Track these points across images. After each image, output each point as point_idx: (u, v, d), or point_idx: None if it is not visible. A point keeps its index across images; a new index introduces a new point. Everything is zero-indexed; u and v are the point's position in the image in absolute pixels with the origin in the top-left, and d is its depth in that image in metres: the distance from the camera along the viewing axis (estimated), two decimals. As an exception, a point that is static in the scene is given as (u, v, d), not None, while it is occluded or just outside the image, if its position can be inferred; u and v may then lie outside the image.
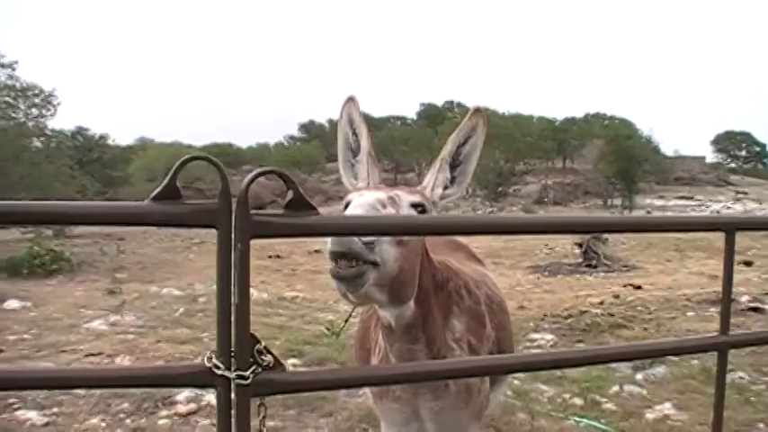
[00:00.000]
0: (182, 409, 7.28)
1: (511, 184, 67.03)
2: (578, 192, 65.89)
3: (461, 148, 3.02)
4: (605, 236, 21.93)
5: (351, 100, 3.17)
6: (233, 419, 1.81)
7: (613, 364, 8.39)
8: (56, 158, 30.40)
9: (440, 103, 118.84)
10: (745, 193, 66.87)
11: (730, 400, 7.56)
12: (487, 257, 23.67)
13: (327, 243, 2.32)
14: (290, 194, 1.83)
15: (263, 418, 1.96)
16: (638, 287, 16.73)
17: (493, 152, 65.37)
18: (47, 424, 7.03)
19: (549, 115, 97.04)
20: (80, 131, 63.01)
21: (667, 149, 76.10)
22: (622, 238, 25.76)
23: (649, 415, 7.26)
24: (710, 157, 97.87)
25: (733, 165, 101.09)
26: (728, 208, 53.83)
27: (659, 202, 58.44)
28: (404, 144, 76.86)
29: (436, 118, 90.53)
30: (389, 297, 2.64)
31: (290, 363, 9.52)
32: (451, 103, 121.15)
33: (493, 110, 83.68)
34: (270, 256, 24.68)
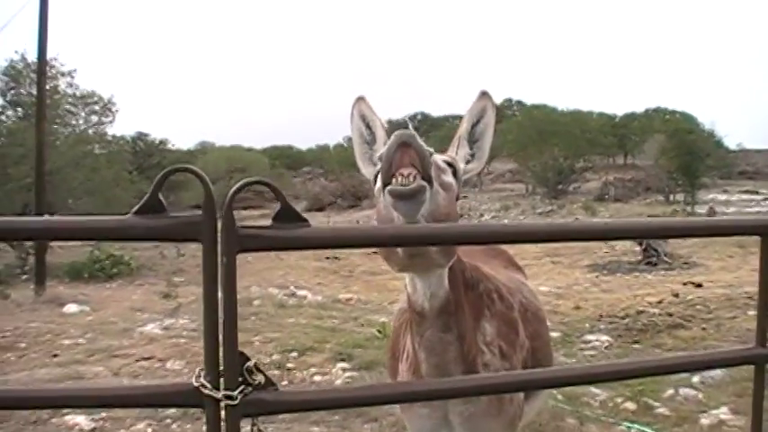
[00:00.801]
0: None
1: (571, 182, 66.02)
2: (639, 188, 64.75)
3: (476, 127, 3.12)
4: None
5: (360, 99, 3.21)
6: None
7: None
8: (115, 164, 30.86)
9: (499, 101, 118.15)
10: (813, 187, 65.30)
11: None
12: (546, 256, 23.59)
13: (386, 146, 2.30)
14: (277, 206, 1.75)
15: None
16: (699, 285, 16.38)
17: (552, 149, 64.76)
18: (94, 429, 7.09)
19: (609, 111, 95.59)
20: (140, 137, 63.90)
21: (730, 143, 74.46)
22: (683, 234, 25.28)
23: (704, 420, 7.05)
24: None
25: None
26: (796, 202, 52.56)
27: (723, 197, 57.21)
28: (461, 142, 76.40)
29: (497, 114, 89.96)
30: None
31: (338, 366, 9.50)
32: (510, 100, 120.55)
33: (552, 107, 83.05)
34: (327, 258, 24.75)
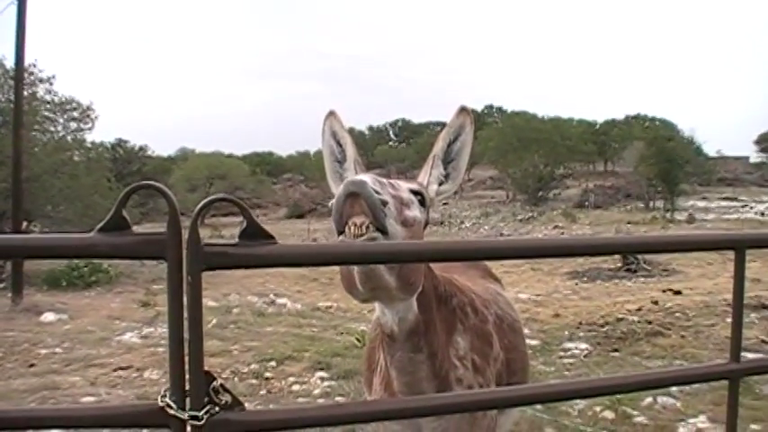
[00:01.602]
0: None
1: (551, 189, 66.46)
2: (619, 195, 65.18)
3: (452, 146, 3.08)
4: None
5: (331, 114, 3.23)
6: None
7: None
8: (95, 171, 30.65)
9: (479, 108, 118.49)
10: (791, 194, 65.81)
11: (766, 412, 7.35)
12: (526, 263, 23.60)
13: (335, 197, 2.25)
14: (243, 224, 1.72)
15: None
16: (678, 292, 16.47)
17: (532, 156, 65.06)
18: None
19: (589, 118, 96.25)
20: (120, 143, 63.66)
21: (710, 150, 74.98)
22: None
23: (682, 429, 7.09)
24: (754, 157, 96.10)
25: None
26: (773, 209, 52.90)
27: (702, 204, 57.62)
28: (443, 149, 76.72)
29: (476, 123, 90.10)
30: (398, 281, 2.49)
31: (317, 375, 9.46)
32: (491, 107, 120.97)
33: (532, 114, 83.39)
34: (307, 265, 24.64)
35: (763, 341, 10.63)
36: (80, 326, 13.55)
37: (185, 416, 1.70)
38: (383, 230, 2.25)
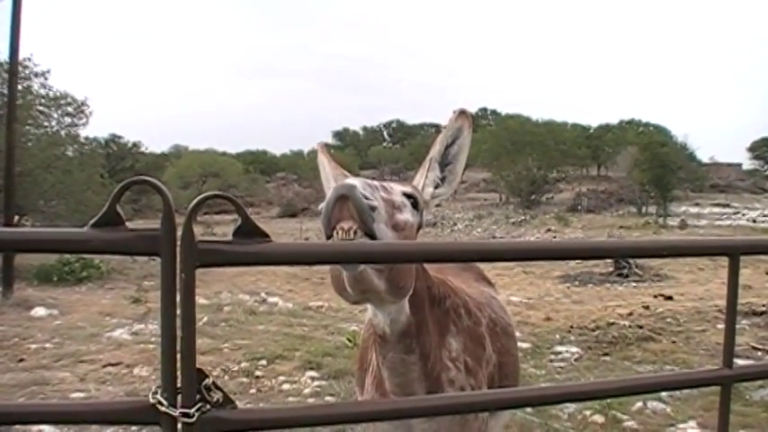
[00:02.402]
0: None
1: (544, 192, 66.59)
2: (612, 199, 65.36)
3: (449, 149, 3.06)
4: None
5: (320, 147, 3.42)
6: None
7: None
8: (88, 166, 30.54)
9: (474, 110, 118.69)
10: (783, 201, 65.99)
11: (758, 419, 7.36)
12: (518, 266, 23.62)
13: (325, 200, 2.24)
14: (238, 221, 1.71)
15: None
16: (669, 297, 16.51)
17: (526, 159, 65.15)
18: (59, 438, 6.97)
19: (584, 122, 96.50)
20: (113, 139, 63.54)
21: (703, 156, 75.40)
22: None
23: (671, 434, 7.09)
24: (747, 164, 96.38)
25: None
26: (765, 216, 53.07)
27: (694, 210, 57.82)
28: (436, 151, 76.87)
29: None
30: (388, 285, 2.49)
31: (307, 375, 9.45)
32: (485, 110, 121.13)
33: (526, 117, 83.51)
34: (300, 264, 24.60)
35: (753, 348, 10.66)
36: (70, 321, 13.50)
37: (176, 413, 1.69)
38: (371, 235, 2.24)
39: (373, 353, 3.17)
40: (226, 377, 9.29)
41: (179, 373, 1.71)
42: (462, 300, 3.40)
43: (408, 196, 2.68)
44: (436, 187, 3.04)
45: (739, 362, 2.58)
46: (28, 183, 25.51)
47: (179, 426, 1.71)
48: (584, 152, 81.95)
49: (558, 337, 12.01)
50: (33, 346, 11.14)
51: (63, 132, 31.45)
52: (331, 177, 3.17)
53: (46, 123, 30.83)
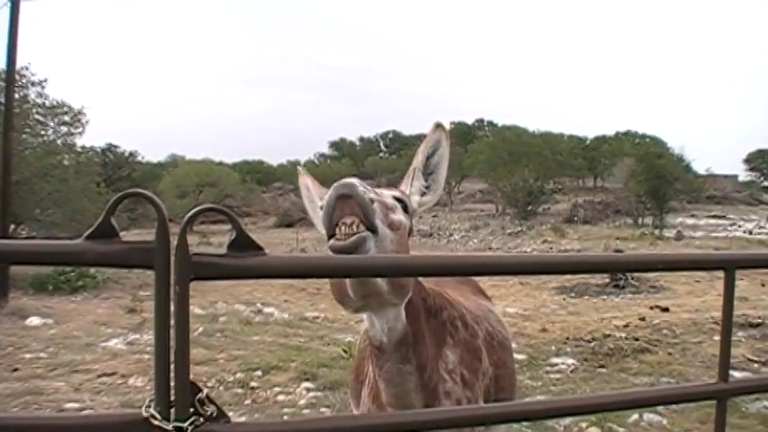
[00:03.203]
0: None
1: (541, 203, 66.65)
2: (609, 211, 65.36)
3: (430, 159, 3.14)
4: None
5: (302, 174, 3.49)
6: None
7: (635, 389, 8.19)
8: (84, 175, 30.54)
9: (470, 121, 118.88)
10: (779, 212, 66.09)
11: (754, 431, 7.35)
12: (514, 277, 23.60)
13: (324, 197, 2.27)
14: (232, 234, 1.70)
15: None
16: (665, 309, 16.50)
17: (523, 170, 65.21)
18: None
19: (580, 133, 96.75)
20: (110, 148, 63.40)
21: (699, 168, 75.48)
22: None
23: (668, 446, 7.07)
24: (743, 175, 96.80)
25: (766, 183, 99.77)
26: (761, 227, 53.16)
27: (691, 221, 57.88)
28: (433, 162, 76.97)
29: (467, 136, 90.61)
30: (390, 285, 2.52)
31: (303, 386, 9.43)
32: (482, 121, 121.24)
33: (523, 128, 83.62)
34: (295, 274, 24.58)
35: (749, 360, 10.66)
36: (65, 331, 13.49)
37: (170, 427, 1.68)
38: (373, 229, 2.28)
39: (370, 364, 3.17)
40: (221, 388, 9.28)
41: (173, 385, 1.70)
42: (459, 312, 3.41)
43: (398, 200, 2.73)
44: (422, 195, 3.11)
45: (735, 374, 2.59)
46: (24, 191, 25.51)
47: (172, 440, 1.69)
48: (580, 163, 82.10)
49: (554, 348, 12.01)
50: (28, 355, 11.12)
51: (59, 141, 31.46)
52: (316, 197, 3.21)
53: (42, 132, 30.85)
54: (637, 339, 12.31)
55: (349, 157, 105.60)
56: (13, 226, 23.75)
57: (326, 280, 2.52)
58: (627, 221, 59.32)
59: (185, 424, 1.68)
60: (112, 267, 1.73)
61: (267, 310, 17.09)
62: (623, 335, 12.72)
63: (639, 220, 58.03)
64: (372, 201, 2.30)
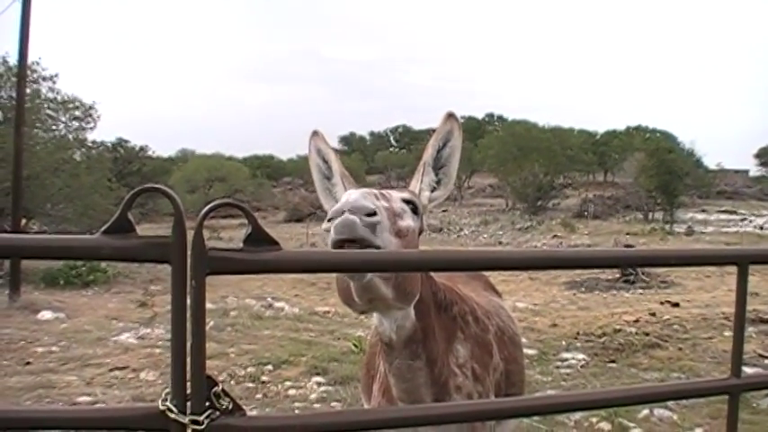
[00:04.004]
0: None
1: (550, 198, 66.33)
2: (619, 206, 65.04)
3: (441, 152, 3.09)
4: (643, 251, 21.58)
5: (315, 134, 3.22)
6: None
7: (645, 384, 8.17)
8: (95, 170, 30.56)
9: (480, 115, 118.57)
10: (790, 208, 65.77)
11: (766, 427, 7.33)
12: (524, 272, 23.55)
13: (330, 232, 2.25)
14: (248, 229, 1.72)
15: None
16: (676, 304, 16.45)
17: (532, 165, 65.00)
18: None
19: (590, 128, 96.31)
20: (120, 143, 63.37)
21: (710, 163, 75.04)
22: (661, 253, 25.41)
23: (678, 442, 7.06)
24: (754, 170, 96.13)
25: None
26: (773, 223, 52.88)
27: (701, 216, 57.62)
28: (443, 157, 76.81)
29: (476, 131, 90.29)
30: (395, 292, 2.54)
31: (313, 380, 9.44)
32: (491, 115, 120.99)
33: (533, 123, 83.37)
34: (306, 269, 24.57)
35: (760, 355, 10.63)
36: (77, 325, 13.53)
37: (186, 420, 1.69)
38: (377, 248, 2.29)
39: (380, 359, 3.18)
40: (232, 382, 9.30)
41: (188, 379, 1.72)
42: (470, 307, 3.41)
43: (407, 202, 2.73)
44: (432, 191, 3.08)
45: (746, 369, 2.58)
46: (35, 186, 25.58)
47: (188, 433, 1.71)
48: (590, 158, 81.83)
49: (564, 343, 12.00)
50: (40, 349, 11.17)
51: (71, 136, 31.50)
52: (333, 159, 3.17)
53: (54, 127, 30.90)
54: (647, 334, 12.28)
55: (359, 152, 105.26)
56: (24, 220, 23.81)
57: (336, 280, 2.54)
58: (637, 216, 59.06)
59: (201, 417, 1.70)
60: (130, 262, 1.75)
61: (278, 304, 17.10)
62: (633, 330, 12.70)
63: (650, 216, 57.77)
64: (375, 224, 2.29)
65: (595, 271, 23.88)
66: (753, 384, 2.63)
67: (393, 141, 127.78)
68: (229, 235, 37.39)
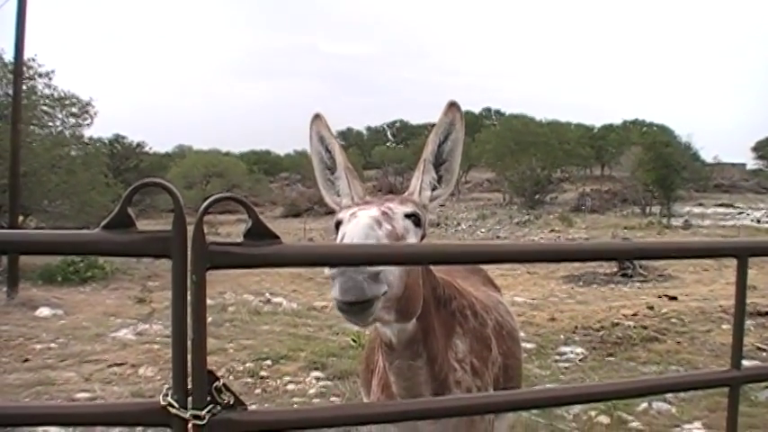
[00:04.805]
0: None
1: (548, 192, 66.45)
2: (616, 199, 65.21)
3: (443, 146, 2.92)
4: (641, 245, 21.61)
5: (317, 117, 3.05)
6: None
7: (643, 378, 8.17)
8: (92, 166, 30.52)
9: (477, 110, 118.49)
10: (787, 201, 65.84)
11: (764, 419, 7.34)
12: (522, 267, 23.58)
13: (332, 290, 2.22)
14: (249, 223, 1.71)
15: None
16: (674, 298, 16.46)
17: (530, 159, 65.08)
18: (66, 438, 6.96)
19: (587, 122, 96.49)
20: (117, 139, 63.36)
21: (707, 156, 75.16)
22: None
23: (677, 435, 7.06)
24: (751, 163, 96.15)
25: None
26: (770, 216, 52.95)
27: (698, 210, 57.69)
28: (440, 151, 76.90)
29: (473, 125, 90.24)
30: (397, 315, 2.60)
31: (312, 375, 9.44)
32: (489, 110, 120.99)
33: (530, 117, 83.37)
34: (304, 264, 24.55)
35: (758, 348, 10.64)
36: (75, 321, 13.53)
37: (187, 415, 1.68)
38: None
39: (380, 355, 3.17)
40: (231, 377, 9.29)
41: (189, 374, 1.71)
42: (469, 301, 3.40)
43: (410, 215, 2.65)
44: (434, 189, 2.92)
45: (745, 362, 2.58)
46: (32, 183, 25.55)
47: (189, 427, 1.70)
48: (587, 152, 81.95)
49: (562, 337, 12.00)
50: (38, 346, 11.16)
51: (67, 132, 31.44)
52: (337, 150, 3.05)
53: (50, 123, 30.86)
54: (645, 328, 12.29)
55: (356, 147, 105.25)
56: (21, 218, 23.77)
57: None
58: (634, 210, 59.16)
59: (203, 412, 1.69)
60: (129, 257, 1.74)
61: (276, 300, 17.09)
62: (632, 324, 12.70)
63: (647, 209, 57.85)
64: (379, 276, 2.28)
65: (593, 265, 23.90)
66: (753, 377, 2.64)
67: (390, 136, 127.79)
68: (227, 231, 37.34)
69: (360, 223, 2.34)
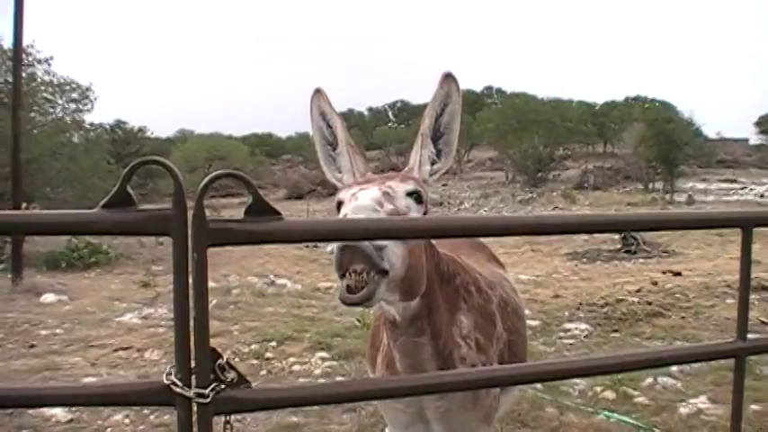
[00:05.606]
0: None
1: (551, 170, 66.26)
2: (619, 176, 65.10)
3: (440, 120, 2.91)
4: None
5: (318, 92, 3.01)
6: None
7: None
8: (93, 152, 30.52)
9: (479, 89, 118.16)
10: (790, 175, 65.73)
11: (767, 393, 7.33)
12: (526, 244, 23.61)
13: (333, 252, 2.24)
14: (250, 199, 1.70)
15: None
16: (678, 273, 16.44)
17: (532, 137, 64.98)
18: (71, 420, 7.00)
19: (589, 99, 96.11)
20: (119, 125, 63.42)
21: (709, 132, 74.90)
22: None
23: (683, 409, 7.05)
24: (754, 139, 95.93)
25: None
26: (773, 190, 52.87)
27: (701, 186, 57.58)
28: (442, 130, 76.86)
29: (474, 104, 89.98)
30: (401, 295, 2.60)
31: (317, 356, 9.45)
32: (490, 88, 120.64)
33: (532, 95, 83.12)
34: (307, 246, 24.59)
35: (762, 322, 10.62)
36: (80, 307, 13.54)
37: (191, 393, 1.68)
38: (383, 272, 2.31)
39: (384, 332, 3.17)
40: (236, 359, 9.29)
41: (192, 353, 1.71)
42: (473, 277, 3.39)
43: (411, 193, 2.66)
44: (433, 163, 2.92)
45: (750, 336, 2.57)
46: (34, 170, 25.53)
47: (194, 406, 1.70)
48: (590, 129, 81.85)
49: (566, 314, 11.98)
50: (44, 331, 11.17)
51: (68, 119, 31.40)
52: (339, 125, 3.00)
53: (51, 110, 30.79)
54: (650, 304, 12.27)
55: (358, 128, 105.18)
56: (24, 204, 23.79)
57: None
58: (637, 187, 59.07)
59: (206, 390, 1.69)
60: (130, 235, 1.74)
61: (280, 281, 17.09)
62: (636, 299, 12.68)
63: (650, 186, 57.77)
64: (381, 247, 2.29)
65: (597, 241, 23.93)
66: (759, 348, 2.63)
67: (392, 117, 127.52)
68: (229, 213, 37.16)
69: (360, 204, 2.34)
